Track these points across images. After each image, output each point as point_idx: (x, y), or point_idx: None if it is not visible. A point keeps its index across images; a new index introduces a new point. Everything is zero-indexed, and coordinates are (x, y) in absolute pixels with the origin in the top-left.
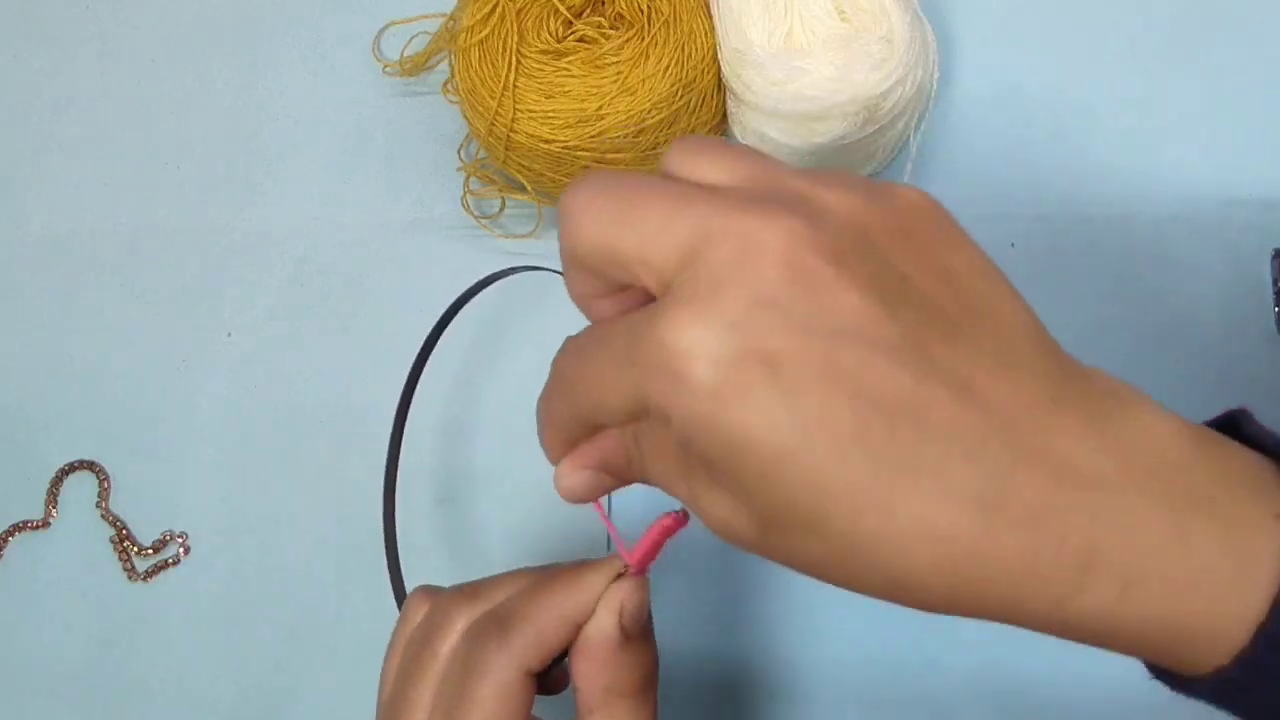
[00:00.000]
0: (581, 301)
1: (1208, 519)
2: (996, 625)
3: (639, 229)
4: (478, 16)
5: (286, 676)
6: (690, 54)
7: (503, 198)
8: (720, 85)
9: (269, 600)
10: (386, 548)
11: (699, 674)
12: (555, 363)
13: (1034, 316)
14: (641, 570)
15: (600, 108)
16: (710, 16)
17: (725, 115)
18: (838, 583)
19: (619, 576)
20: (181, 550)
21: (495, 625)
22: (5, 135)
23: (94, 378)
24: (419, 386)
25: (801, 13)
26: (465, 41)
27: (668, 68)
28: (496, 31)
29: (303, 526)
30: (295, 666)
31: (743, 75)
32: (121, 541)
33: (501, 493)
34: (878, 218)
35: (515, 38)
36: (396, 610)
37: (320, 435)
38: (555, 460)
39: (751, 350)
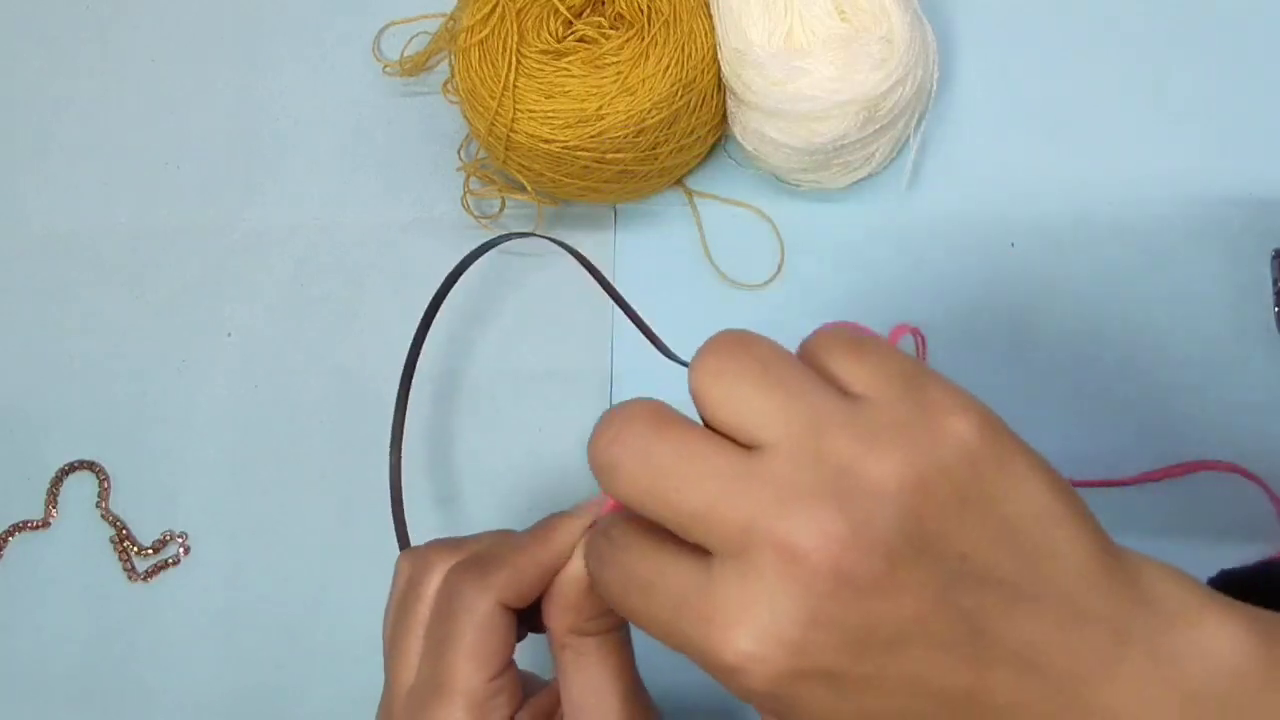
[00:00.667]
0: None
1: None
2: None
3: (680, 506)
4: (478, 16)
5: (286, 676)
6: (690, 54)
7: (503, 198)
8: (720, 85)
9: (269, 600)
10: (395, 521)
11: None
12: (606, 537)
13: (1094, 542)
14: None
15: (600, 108)
16: (710, 16)
17: (725, 115)
18: None
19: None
20: (181, 550)
21: (474, 564)
22: (5, 135)
23: (94, 378)
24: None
25: (801, 13)
26: (465, 41)
27: (668, 68)
28: (496, 31)
29: (303, 526)
30: (295, 666)
31: (743, 75)
32: (121, 541)
33: (501, 490)
34: (929, 488)
35: (515, 38)
36: None
37: (320, 435)
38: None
39: (809, 669)
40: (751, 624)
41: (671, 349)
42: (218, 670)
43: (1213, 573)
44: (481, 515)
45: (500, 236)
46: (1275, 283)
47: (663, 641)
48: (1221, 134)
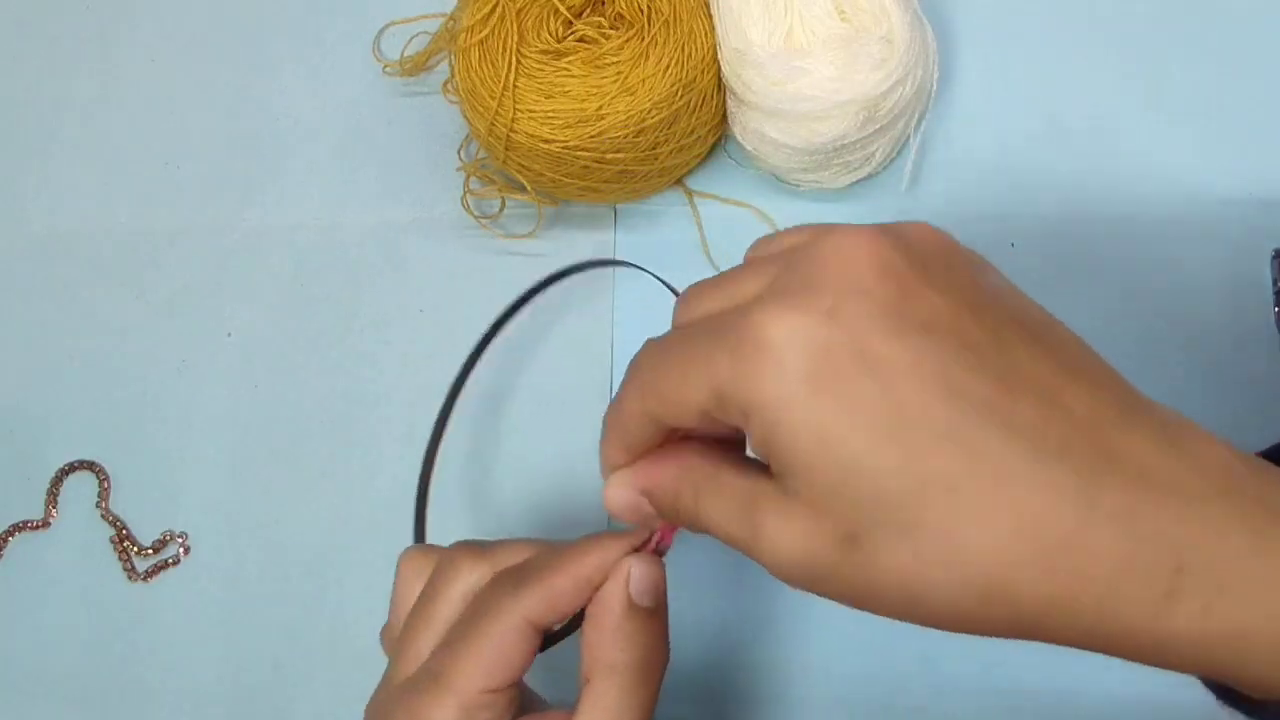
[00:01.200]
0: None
1: None
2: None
3: (726, 283)
4: (477, 17)
5: (286, 676)
6: (690, 54)
7: (503, 198)
8: (720, 85)
9: (269, 600)
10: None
11: (692, 676)
12: (633, 361)
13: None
14: (669, 534)
15: (600, 108)
16: (710, 16)
17: (725, 115)
18: (918, 611)
19: (640, 549)
20: (181, 550)
21: (510, 577)
22: (5, 135)
23: (94, 378)
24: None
25: (801, 13)
26: (465, 42)
27: (668, 68)
28: (496, 32)
29: (303, 526)
30: (295, 666)
31: (743, 75)
32: (121, 541)
33: (499, 491)
34: (941, 240)
35: (515, 38)
36: None
37: (320, 435)
38: (609, 469)
39: (846, 340)
40: (794, 299)
41: None
42: (218, 670)
43: None
44: (480, 514)
45: (577, 265)
46: (1275, 283)
47: (697, 389)
48: (1221, 134)
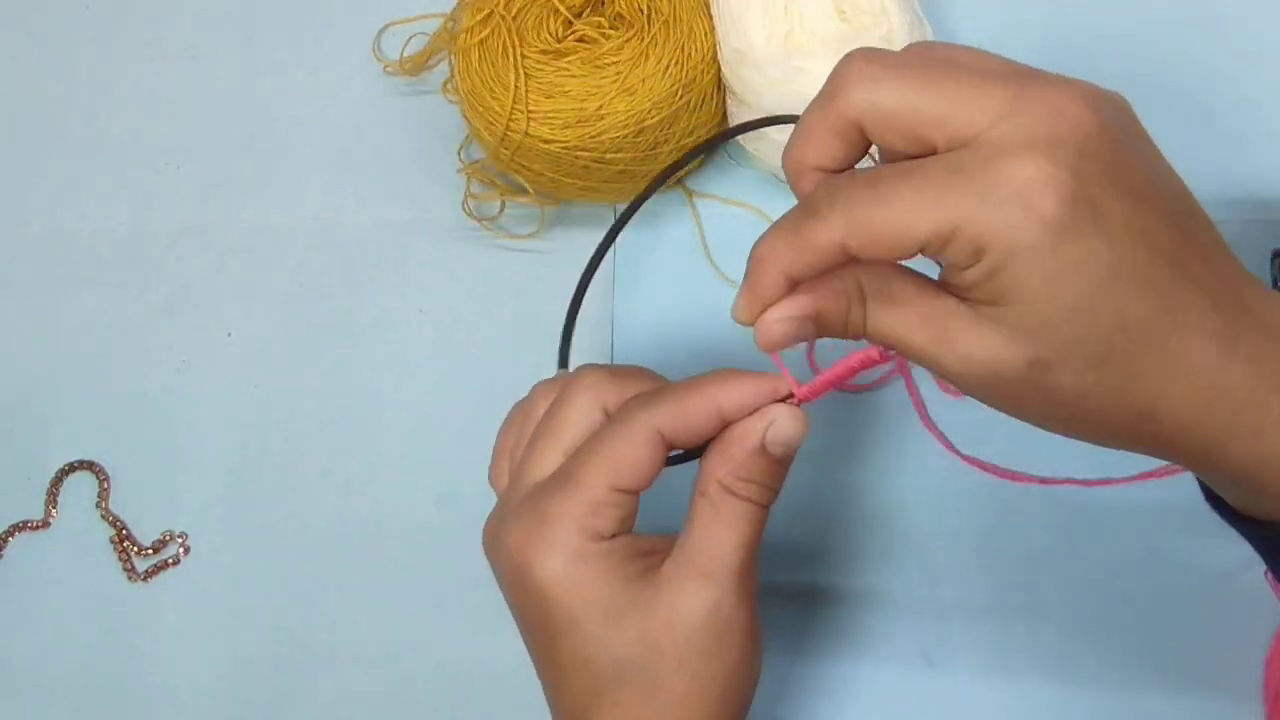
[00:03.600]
0: (799, 165)
1: None
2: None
3: (944, 96)
4: (477, 17)
5: (286, 676)
6: (690, 54)
7: (503, 200)
8: (720, 85)
9: (269, 600)
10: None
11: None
12: (833, 196)
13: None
14: (808, 399)
15: (600, 108)
16: (710, 16)
17: (725, 115)
18: (1080, 426)
19: (784, 400)
20: (181, 550)
21: (643, 395)
22: (5, 135)
23: (94, 378)
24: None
25: (801, 13)
26: (465, 42)
27: (668, 68)
28: (496, 32)
29: (302, 526)
30: (295, 666)
31: (743, 75)
32: (121, 541)
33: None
34: (1133, 114)
35: (515, 38)
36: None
37: (320, 435)
38: (758, 308)
39: (1085, 195)
40: (1046, 153)
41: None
42: (218, 670)
43: (1212, 572)
44: (481, 513)
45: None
46: (1275, 283)
47: (926, 224)
48: (1221, 134)
